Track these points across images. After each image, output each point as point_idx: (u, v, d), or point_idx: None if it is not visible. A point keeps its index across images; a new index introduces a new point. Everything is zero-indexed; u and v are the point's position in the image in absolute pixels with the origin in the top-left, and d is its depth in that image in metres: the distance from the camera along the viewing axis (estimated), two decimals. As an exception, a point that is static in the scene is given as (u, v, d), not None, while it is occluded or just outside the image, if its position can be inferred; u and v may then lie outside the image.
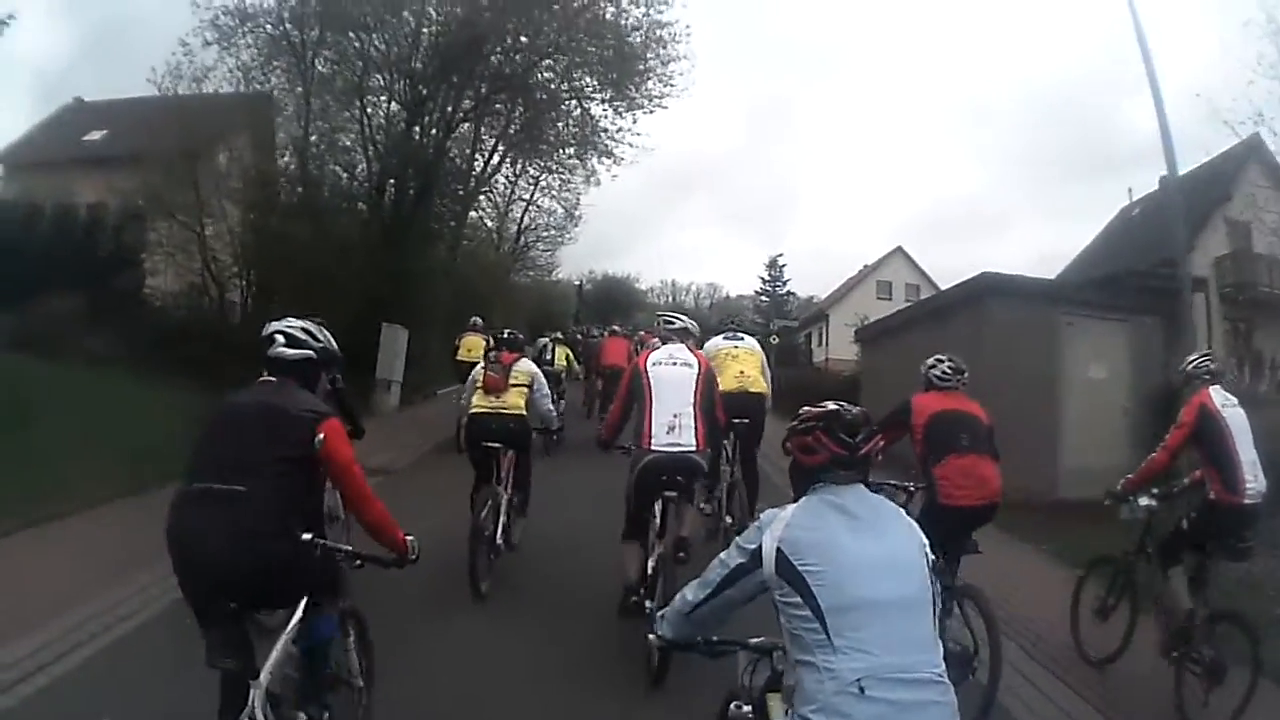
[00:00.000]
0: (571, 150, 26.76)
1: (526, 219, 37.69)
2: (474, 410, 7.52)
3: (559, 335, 18.84)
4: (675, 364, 6.09)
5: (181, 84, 17.84)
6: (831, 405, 2.85)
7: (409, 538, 3.76)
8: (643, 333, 19.64)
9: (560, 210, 35.73)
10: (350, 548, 3.67)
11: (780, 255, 62.23)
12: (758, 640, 3.02)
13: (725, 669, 3.26)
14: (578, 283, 56.49)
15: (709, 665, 3.19)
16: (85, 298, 14.86)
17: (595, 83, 24.24)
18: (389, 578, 3.90)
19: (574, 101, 24.94)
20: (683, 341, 6.45)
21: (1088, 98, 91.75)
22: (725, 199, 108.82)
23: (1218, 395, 5.56)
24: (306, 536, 3.41)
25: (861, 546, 2.57)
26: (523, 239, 38.73)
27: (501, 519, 7.21)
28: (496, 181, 30.59)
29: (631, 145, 25.08)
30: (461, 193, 24.91)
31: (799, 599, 2.51)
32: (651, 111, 24.41)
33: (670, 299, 73.46)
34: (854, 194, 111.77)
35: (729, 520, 7.92)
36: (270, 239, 17.90)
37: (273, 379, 3.66)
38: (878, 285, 57.13)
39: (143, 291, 17.72)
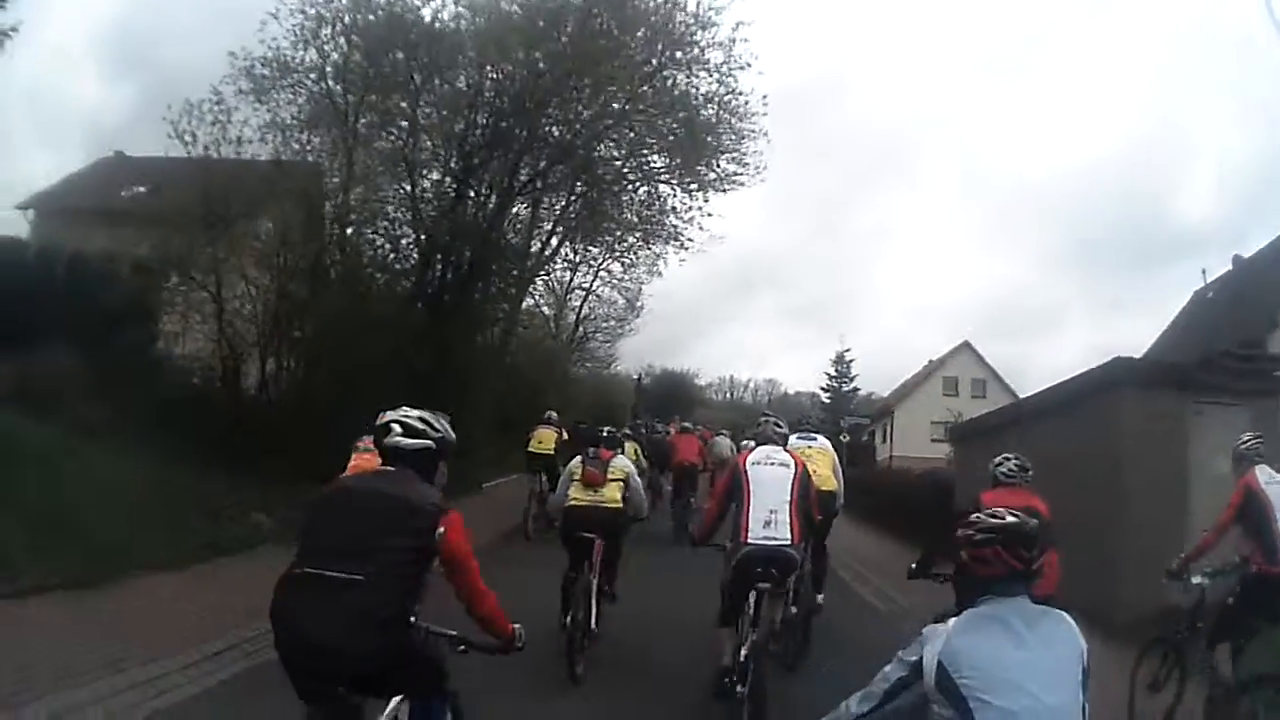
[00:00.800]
0: (637, 235, 25.39)
1: (586, 308, 36.28)
2: (571, 503, 7.93)
3: (627, 431, 18.14)
4: (773, 464, 6.38)
5: (203, 128, 16.08)
6: (1010, 517, 2.82)
7: (516, 626, 3.76)
8: (701, 428, 20.55)
9: (621, 300, 34.78)
10: (455, 633, 3.66)
11: (848, 350, 59.93)
12: None
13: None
14: (636, 376, 55.10)
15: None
16: (89, 354, 13.17)
17: (664, 161, 22.80)
18: (484, 661, 3.83)
19: (640, 182, 23.51)
20: (780, 444, 6.75)
21: (1134, 189, 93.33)
22: (784, 295, 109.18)
23: (1263, 474, 5.89)
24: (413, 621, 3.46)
25: (1019, 660, 2.60)
26: (581, 329, 37.15)
27: (592, 604, 7.61)
28: (555, 266, 29.16)
29: (702, 228, 23.43)
30: (516, 274, 23.12)
31: (955, 714, 2.56)
32: (724, 191, 22.85)
33: (729, 396, 74.04)
34: (913, 290, 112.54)
35: (794, 610, 7.74)
36: (297, 307, 16.09)
37: (390, 468, 3.65)
38: (944, 381, 56.11)
39: (153, 350, 16.02)
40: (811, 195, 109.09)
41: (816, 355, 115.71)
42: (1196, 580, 5.99)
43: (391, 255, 20.03)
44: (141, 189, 20.80)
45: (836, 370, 58.82)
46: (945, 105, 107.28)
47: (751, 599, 5.91)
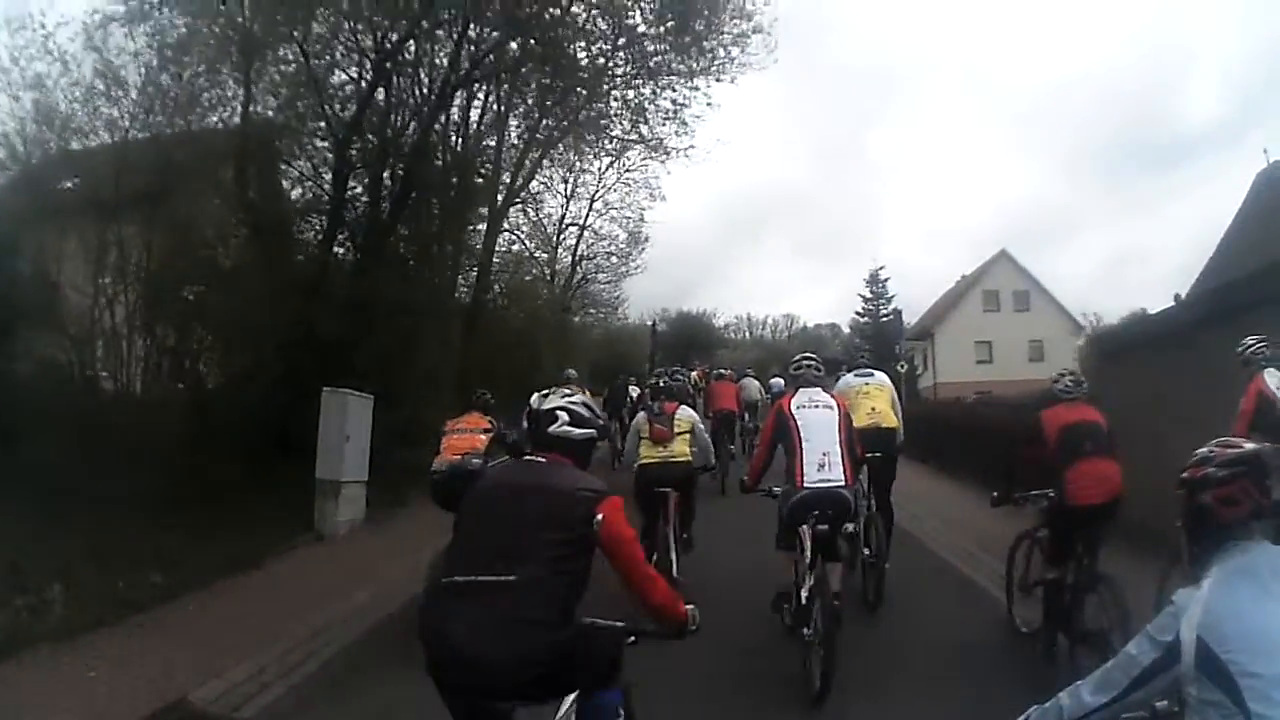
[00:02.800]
0: (631, 140, 21.80)
1: (583, 247, 31.35)
2: (644, 461, 8.12)
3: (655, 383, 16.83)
4: (818, 406, 6.35)
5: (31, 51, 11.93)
6: (1248, 445, 2.54)
7: (689, 608, 3.49)
8: (730, 372, 19.37)
9: (622, 234, 30.60)
10: (623, 624, 3.44)
11: (881, 269, 53.86)
12: None
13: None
14: (651, 322, 50.81)
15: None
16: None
17: (655, 41, 18.37)
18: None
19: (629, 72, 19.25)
20: (820, 385, 6.70)
21: (1132, 92, 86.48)
22: (796, 231, 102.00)
23: (1272, 378, 5.83)
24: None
25: None
26: (580, 270, 31.99)
27: (671, 555, 7.91)
28: (537, 194, 25.12)
29: (710, 104, 20.23)
30: (481, 189, 18.25)
31: (1222, 696, 2.14)
32: (733, 63, 18.96)
33: (746, 335, 69.94)
34: (926, 216, 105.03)
35: (867, 552, 7.78)
36: (174, 277, 11.64)
37: (540, 459, 3.43)
38: (984, 296, 51.59)
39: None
40: (818, 128, 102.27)
41: (833, 288, 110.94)
42: None
43: (306, 185, 14.96)
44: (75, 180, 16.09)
45: (871, 292, 51.96)
46: (952, 27, 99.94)
47: (807, 536, 5.94)
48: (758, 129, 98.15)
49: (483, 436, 7.96)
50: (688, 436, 8.11)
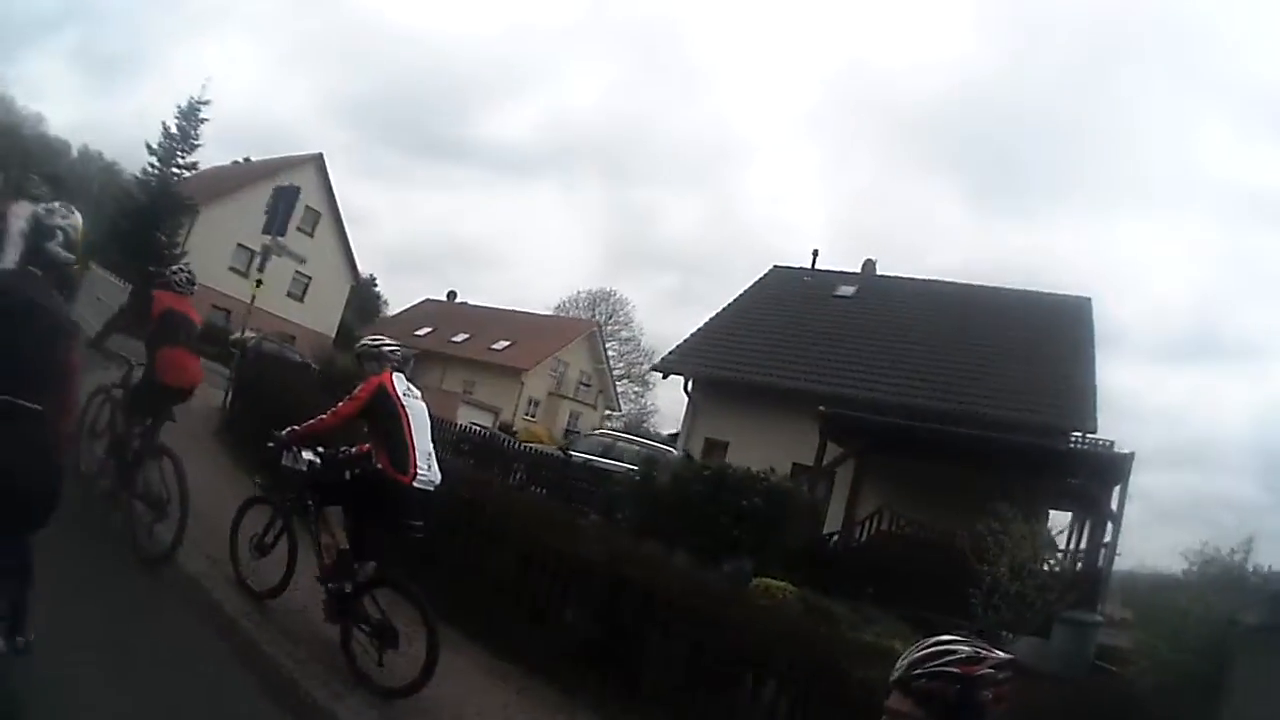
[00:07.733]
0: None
1: None
2: None
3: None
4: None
5: None
6: (1000, 652, 2.41)
7: None
8: None
9: None
10: None
11: (206, 102, 39.09)
12: None
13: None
14: None
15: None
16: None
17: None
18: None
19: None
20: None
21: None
22: None
23: (400, 383, 5.87)
24: None
25: None
26: None
27: None
28: None
29: None
30: None
31: None
32: None
33: None
34: None
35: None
36: None
37: None
38: (274, 194, 39.80)
39: None
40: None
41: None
42: (308, 457, 5.92)
43: None
44: None
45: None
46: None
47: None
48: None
49: None
50: None
